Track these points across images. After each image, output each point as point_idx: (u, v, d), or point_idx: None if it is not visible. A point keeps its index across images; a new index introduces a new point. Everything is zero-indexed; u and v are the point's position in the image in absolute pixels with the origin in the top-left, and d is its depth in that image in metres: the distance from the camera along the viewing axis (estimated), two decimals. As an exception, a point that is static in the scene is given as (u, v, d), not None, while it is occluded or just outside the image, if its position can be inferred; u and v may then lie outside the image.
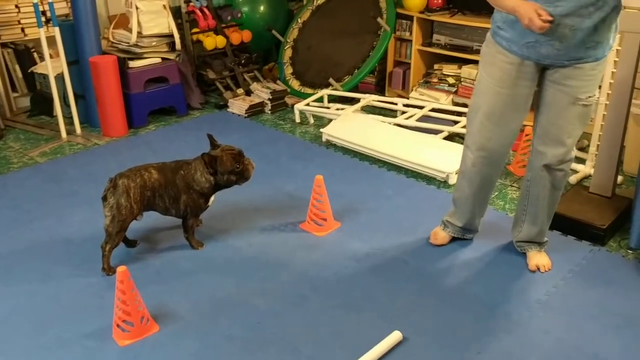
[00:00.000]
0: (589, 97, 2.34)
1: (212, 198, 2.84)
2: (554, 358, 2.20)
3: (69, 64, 4.10)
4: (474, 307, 2.46)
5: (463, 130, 3.92)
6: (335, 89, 4.69)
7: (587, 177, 3.49)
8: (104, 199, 2.63)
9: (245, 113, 4.53)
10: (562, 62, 2.27)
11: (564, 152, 2.44)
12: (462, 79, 4.39)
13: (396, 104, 4.42)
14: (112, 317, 2.30)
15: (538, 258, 2.69)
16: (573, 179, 3.49)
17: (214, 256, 2.82)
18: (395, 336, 2.24)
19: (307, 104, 4.42)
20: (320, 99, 4.56)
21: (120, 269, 2.19)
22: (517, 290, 2.56)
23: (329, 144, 4.02)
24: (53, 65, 4.05)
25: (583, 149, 3.85)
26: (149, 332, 2.32)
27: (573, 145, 2.48)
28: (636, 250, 2.84)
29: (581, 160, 3.70)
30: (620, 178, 3.36)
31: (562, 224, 2.97)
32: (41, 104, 4.51)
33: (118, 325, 2.28)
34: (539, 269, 2.66)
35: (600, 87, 2.43)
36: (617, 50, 3.07)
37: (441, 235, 2.87)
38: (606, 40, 2.25)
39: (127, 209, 2.62)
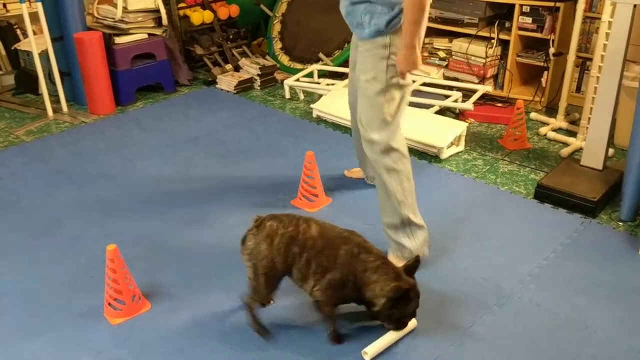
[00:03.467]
0: (365, 78, 2.36)
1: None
2: (545, 330, 2.21)
3: (53, 40, 4.02)
4: (466, 281, 2.46)
5: (455, 105, 3.91)
6: (325, 64, 4.64)
7: (579, 150, 3.49)
8: (243, 241, 2.09)
9: (234, 89, 4.48)
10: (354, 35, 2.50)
11: (362, 131, 2.45)
12: (453, 53, 4.35)
13: (387, 78, 4.38)
14: (103, 295, 2.29)
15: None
16: (564, 152, 3.49)
17: (204, 233, 2.80)
18: (412, 324, 2.19)
19: (297, 80, 4.37)
20: (310, 74, 4.51)
21: (110, 247, 2.17)
22: (508, 263, 2.57)
23: (320, 120, 3.99)
24: (37, 42, 3.97)
25: (574, 122, 3.85)
26: (140, 310, 2.31)
27: (369, 127, 2.40)
28: (627, 222, 2.85)
29: (572, 134, 3.70)
30: (611, 151, 3.36)
31: (554, 197, 2.98)
32: (26, 81, 4.44)
33: (109, 304, 2.27)
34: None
35: (388, 81, 2.32)
36: (609, 22, 3.05)
37: (356, 170, 3.21)
38: (366, 23, 2.30)
39: (267, 259, 2.05)
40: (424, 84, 4.18)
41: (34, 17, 3.94)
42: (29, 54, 4.22)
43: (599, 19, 3.35)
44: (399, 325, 2.11)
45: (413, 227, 2.49)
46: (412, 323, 2.20)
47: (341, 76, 4.57)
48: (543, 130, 3.78)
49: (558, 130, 3.80)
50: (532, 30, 3.99)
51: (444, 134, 3.50)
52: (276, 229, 2.04)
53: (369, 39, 2.32)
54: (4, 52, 4.48)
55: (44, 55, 4.06)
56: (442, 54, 4.45)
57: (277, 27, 5.00)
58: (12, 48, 4.43)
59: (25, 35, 4.34)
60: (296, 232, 2.05)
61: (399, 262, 2.28)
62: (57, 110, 4.14)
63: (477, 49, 4.20)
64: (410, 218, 2.47)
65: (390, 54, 2.30)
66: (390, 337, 2.14)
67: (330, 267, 2.03)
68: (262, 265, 2.04)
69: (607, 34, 2.99)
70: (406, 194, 2.45)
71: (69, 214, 2.96)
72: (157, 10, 4.29)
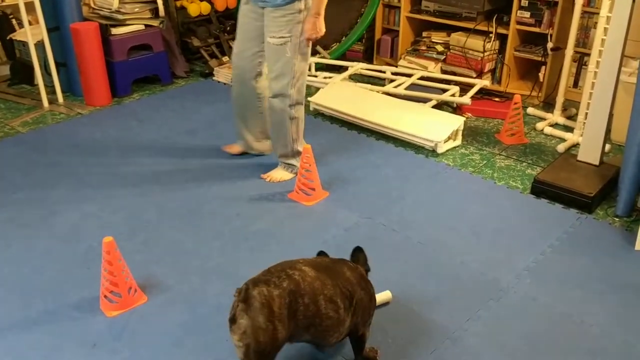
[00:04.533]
0: (278, 37, 2.80)
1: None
2: (541, 325, 2.22)
3: (49, 30, 3.98)
4: (462, 275, 2.47)
5: (452, 99, 3.91)
6: (323, 57, 4.62)
7: (575, 145, 3.50)
8: (232, 320, 1.72)
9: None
10: (258, 4, 2.83)
11: (275, 88, 2.91)
12: (450, 47, 4.35)
13: (384, 72, 4.38)
14: (99, 288, 2.28)
15: (273, 171, 3.18)
16: (561, 147, 3.50)
17: (202, 226, 2.79)
18: (385, 295, 2.29)
19: (294, 72, 4.35)
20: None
21: (107, 239, 2.16)
22: (504, 258, 2.58)
23: (317, 113, 3.98)
24: (33, 32, 3.94)
25: (571, 117, 3.85)
26: (137, 303, 2.30)
27: (283, 84, 2.88)
28: (623, 218, 2.86)
29: (569, 129, 3.71)
30: (608, 146, 3.37)
31: (550, 192, 2.99)
32: (21, 72, 4.40)
33: (105, 296, 2.27)
34: (267, 178, 3.16)
35: (301, 42, 2.82)
36: (607, 17, 3.05)
37: (233, 147, 3.37)
38: None
39: (267, 333, 1.70)
40: (422, 78, 4.18)
41: (29, 7, 3.91)
42: (24, 44, 4.18)
43: (598, 13, 3.34)
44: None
45: (298, 153, 3.11)
46: (387, 295, 2.27)
47: (338, 69, 4.55)
48: (540, 125, 3.78)
49: (555, 125, 3.81)
50: (530, 25, 3.99)
51: (441, 128, 3.49)
52: (269, 294, 1.70)
53: (285, 5, 2.74)
54: (-1, 43, 4.45)
55: (39, 45, 4.03)
56: (439, 48, 4.44)
57: (274, 19, 4.97)
58: (8, 38, 4.39)
59: (21, 25, 4.31)
60: (295, 284, 1.76)
61: (284, 175, 3.15)
62: (52, 101, 4.11)
63: (475, 43, 4.20)
64: (298, 149, 3.11)
65: (303, 18, 2.77)
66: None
67: (354, 290, 1.89)
68: (262, 342, 1.69)
69: (606, 29, 2.99)
70: (299, 133, 3.09)
71: (64, 206, 2.95)
72: (154, 1, 4.27)
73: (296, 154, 3.14)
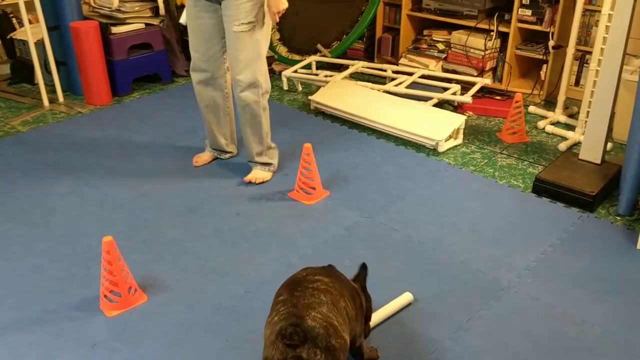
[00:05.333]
0: (247, 22, 2.77)
1: None
2: (542, 324, 2.21)
3: (49, 29, 3.98)
4: (463, 274, 2.46)
5: (453, 97, 3.90)
6: (324, 56, 4.61)
7: (577, 143, 3.48)
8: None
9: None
10: None
11: (246, 78, 2.87)
12: (451, 45, 4.33)
13: (385, 70, 4.36)
14: (99, 287, 2.28)
15: (253, 173, 3.13)
16: (563, 145, 3.48)
17: (202, 225, 2.79)
18: (407, 297, 2.29)
19: (295, 71, 4.35)
20: (308, 66, 4.48)
21: (106, 239, 2.16)
22: (505, 257, 2.57)
23: (318, 112, 3.97)
24: (33, 31, 3.93)
25: (573, 115, 3.83)
26: (137, 303, 2.30)
27: (253, 72, 2.87)
28: (624, 217, 2.85)
29: (571, 127, 3.69)
30: (609, 145, 3.35)
31: (551, 190, 2.97)
32: (22, 71, 4.40)
33: (105, 296, 2.26)
34: (251, 180, 3.10)
35: (265, 25, 2.85)
36: (609, 15, 3.03)
37: (203, 157, 3.31)
38: None
39: (345, 348, 1.62)
40: (422, 76, 4.16)
41: (29, 6, 3.90)
42: (24, 43, 4.18)
43: (599, 11, 3.33)
44: None
45: (272, 150, 3.16)
46: (408, 297, 2.26)
47: (339, 68, 4.54)
48: (541, 123, 3.77)
49: (557, 123, 3.79)
50: (532, 23, 3.97)
51: (442, 126, 3.48)
52: (322, 315, 1.58)
53: None
54: (-1, 41, 4.44)
55: (40, 44, 4.02)
56: (441, 46, 4.42)
57: (275, 17, 4.97)
58: (8, 37, 4.39)
59: (21, 24, 4.30)
60: (328, 293, 1.67)
61: (265, 175, 3.12)
62: (53, 100, 4.11)
63: (476, 42, 4.18)
64: (270, 144, 3.13)
65: (264, 1, 2.77)
66: (385, 311, 2.19)
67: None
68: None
69: (607, 27, 2.98)
70: (269, 126, 3.09)
71: (64, 205, 2.94)
72: (154, 0, 4.26)
73: (269, 148, 3.14)
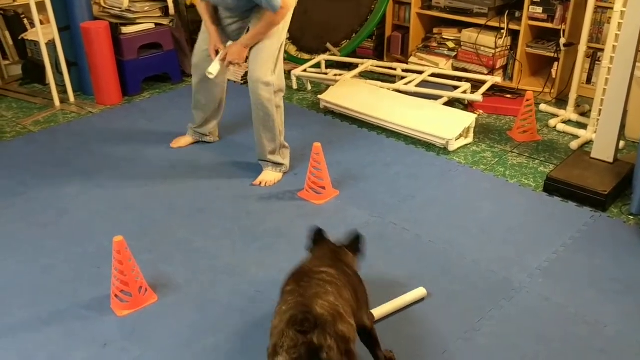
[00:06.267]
0: (268, 37, 2.89)
1: None
2: (554, 325, 2.19)
3: (60, 30, 4.00)
4: (474, 274, 2.45)
5: (463, 96, 3.88)
6: (333, 55, 4.60)
7: (589, 142, 3.45)
8: (314, 356, 1.53)
9: (241, 80, 4.45)
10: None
11: (262, 77, 2.92)
12: (462, 43, 4.31)
13: (395, 69, 4.35)
14: (109, 287, 2.28)
15: (263, 175, 3.12)
16: (574, 144, 3.45)
17: (211, 225, 2.79)
18: (420, 292, 2.31)
19: (305, 70, 4.34)
20: (317, 65, 4.48)
21: (117, 238, 2.16)
22: (517, 256, 2.55)
23: (327, 111, 3.96)
24: (44, 32, 3.96)
25: (584, 113, 3.80)
26: (147, 302, 2.30)
27: (268, 73, 2.91)
28: (637, 216, 2.82)
29: (582, 126, 3.66)
30: (622, 143, 3.32)
31: (563, 190, 2.95)
32: (33, 71, 4.43)
33: (116, 296, 2.27)
34: (261, 183, 3.09)
35: (282, 35, 2.94)
36: (621, 11, 3.00)
37: (184, 139, 3.48)
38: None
39: (352, 331, 1.67)
40: (432, 75, 4.14)
41: (41, 6, 3.92)
42: (36, 43, 4.20)
43: (611, 8, 3.30)
44: None
45: (284, 149, 3.16)
46: (422, 292, 2.29)
47: (349, 67, 4.53)
48: (553, 122, 3.74)
49: (568, 122, 3.76)
50: (543, 20, 3.94)
51: (453, 125, 3.47)
52: (328, 303, 1.62)
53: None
54: (11, 42, 4.47)
55: (51, 45, 4.05)
56: (451, 45, 4.40)
57: (284, 17, 4.96)
58: (20, 38, 4.42)
59: (32, 25, 4.33)
60: (333, 284, 1.72)
61: (276, 176, 3.11)
62: (64, 100, 4.13)
63: (487, 40, 4.16)
64: (283, 143, 3.13)
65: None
66: (395, 303, 2.21)
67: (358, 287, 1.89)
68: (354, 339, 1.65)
69: (620, 24, 2.94)
70: (283, 125, 3.09)
71: (75, 205, 2.95)
72: (164, 0, 4.27)
73: (281, 147, 3.13)
